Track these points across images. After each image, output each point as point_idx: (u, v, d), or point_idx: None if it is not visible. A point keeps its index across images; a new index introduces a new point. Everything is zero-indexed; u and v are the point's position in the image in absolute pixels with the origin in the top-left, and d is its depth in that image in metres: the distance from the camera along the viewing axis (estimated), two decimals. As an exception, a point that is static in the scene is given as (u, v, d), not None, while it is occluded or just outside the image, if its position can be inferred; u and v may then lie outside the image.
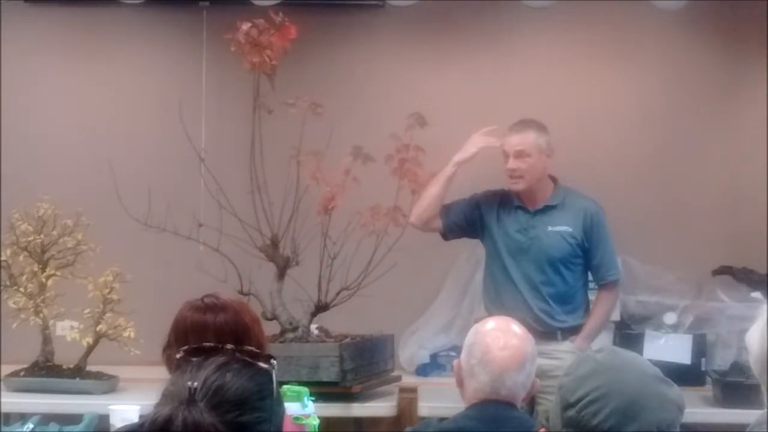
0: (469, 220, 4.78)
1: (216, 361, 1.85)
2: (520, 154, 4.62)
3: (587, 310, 4.77)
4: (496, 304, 4.67)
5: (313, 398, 3.43)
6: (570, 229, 4.67)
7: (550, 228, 4.67)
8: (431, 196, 4.69)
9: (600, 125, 5.67)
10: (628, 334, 5.26)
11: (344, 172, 4.64)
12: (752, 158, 5.61)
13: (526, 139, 4.63)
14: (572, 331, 4.69)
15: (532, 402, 4.27)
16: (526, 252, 4.66)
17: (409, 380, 5.23)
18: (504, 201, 4.76)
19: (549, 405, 2.66)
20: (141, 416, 3.68)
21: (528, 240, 4.67)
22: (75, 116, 5.75)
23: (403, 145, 4.65)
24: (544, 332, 4.53)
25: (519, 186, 4.66)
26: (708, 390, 4.92)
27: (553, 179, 4.75)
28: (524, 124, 4.68)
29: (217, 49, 5.26)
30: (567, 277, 4.67)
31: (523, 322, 4.43)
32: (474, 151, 4.70)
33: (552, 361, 4.35)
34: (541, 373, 3.88)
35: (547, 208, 4.71)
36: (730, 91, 5.73)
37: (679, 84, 5.72)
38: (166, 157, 5.52)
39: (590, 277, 4.82)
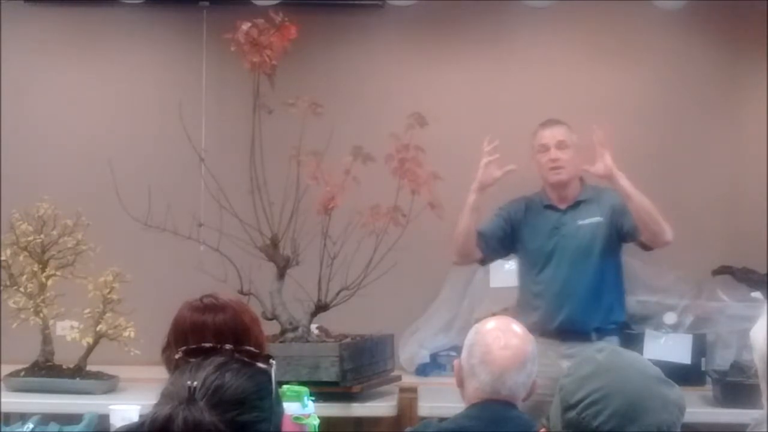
0: (504, 241, 4.70)
1: (215, 361, 1.85)
2: (561, 145, 4.58)
3: (623, 310, 4.68)
4: (529, 316, 4.56)
5: (313, 398, 3.43)
6: (601, 219, 4.58)
7: (580, 222, 4.60)
8: (462, 231, 4.59)
9: (600, 125, 5.66)
10: (628, 334, 5.24)
11: (344, 172, 4.63)
12: (752, 158, 5.60)
13: (564, 132, 4.61)
14: (608, 332, 4.58)
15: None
16: (559, 250, 4.59)
17: (409, 380, 5.22)
18: (530, 205, 4.70)
19: None
20: (141, 416, 3.68)
21: (560, 238, 4.60)
22: (75, 116, 5.75)
23: (403, 145, 4.65)
24: (578, 333, 4.48)
25: (561, 176, 4.59)
26: (708, 390, 4.92)
27: (581, 178, 4.68)
28: (556, 120, 4.65)
29: (217, 49, 5.26)
30: (601, 272, 4.57)
31: (557, 324, 4.46)
32: (498, 175, 4.55)
33: None
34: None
35: (578, 204, 4.64)
36: (730, 91, 5.73)
37: (679, 84, 5.72)
38: (166, 157, 5.52)
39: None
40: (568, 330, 4.52)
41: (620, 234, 4.59)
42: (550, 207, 4.67)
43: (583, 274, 4.56)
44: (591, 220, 4.59)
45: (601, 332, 4.57)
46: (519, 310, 4.71)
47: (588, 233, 4.58)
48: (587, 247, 4.57)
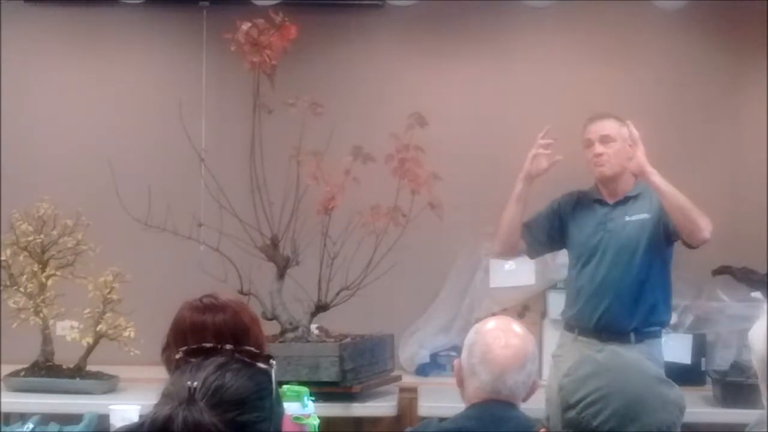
0: (551, 234, 4.63)
1: (215, 361, 1.85)
2: (605, 139, 4.51)
3: (668, 312, 4.57)
4: (570, 312, 4.55)
5: (313, 398, 3.44)
6: (648, 216, 4.48)
7: (627, 218, 4.50)
8: (508, 220, 4.52)
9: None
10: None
11: (344, 172, 4.64)
12: (752, 158, 5.60)
13: (610, 126, 4.54)
14: (648, 335, 4.46)
15: None
16: (603, 246, 4.49)
17: (409, 380, 5.22)
18: (582, 198, 4.63)
19: None
20: (141, 416, 3.68)
21: (605, 233, 4.50)
22: (75, 116, 5.75)
23: (403, 145, 4.65)
24: (616, 333, 4.40)
25: (605, 170, 4.51)
26: (708, 390, 4.92)
27: (635, 175, 4.57)
28: (603, 114, 4.60)
29: (217, 49, 5.27)
30: (646, 271, 4.45)
31: (595, 323, 4.40)
32: (545, 166, 4.49)
33: None
34: None
35: (627, 199, 4.55)
36: (730, 91, 5.73)
37: (679, 84, 5.72)
38: (166, 157, 5.52)
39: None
40: (606, 329, 4.43)
41: (666, 232, 4.49)
42: (599, 201, 4.59)
43: (625, 272, 4.45)
44: (639, 216, 4.50)
45: (641, 334, 4.45)
46: (564, 306, 4.68)
47: (635, 230, 4.49)
48: (633, 244, 4.47)
